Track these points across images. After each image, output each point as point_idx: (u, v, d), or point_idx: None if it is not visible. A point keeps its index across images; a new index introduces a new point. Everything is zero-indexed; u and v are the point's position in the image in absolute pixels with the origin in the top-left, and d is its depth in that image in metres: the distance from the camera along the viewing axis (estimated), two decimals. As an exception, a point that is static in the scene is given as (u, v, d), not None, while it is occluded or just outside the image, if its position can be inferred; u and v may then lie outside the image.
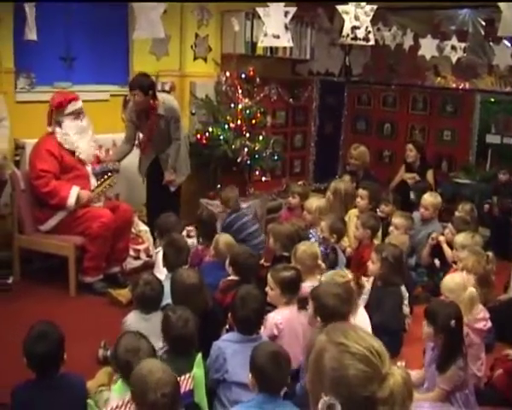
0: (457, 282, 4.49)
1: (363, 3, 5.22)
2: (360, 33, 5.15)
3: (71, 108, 5.98)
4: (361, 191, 6.83)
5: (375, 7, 5.18)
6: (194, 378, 3.33)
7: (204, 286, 4.26)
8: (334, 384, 1.76)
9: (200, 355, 3.44)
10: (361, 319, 4.46)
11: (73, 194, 5.87)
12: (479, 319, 4.44)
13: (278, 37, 5.37)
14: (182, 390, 3.13)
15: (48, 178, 5.83)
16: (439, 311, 3.94)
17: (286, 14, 5.32)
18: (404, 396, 1.73)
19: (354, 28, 5.16)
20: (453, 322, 3.82)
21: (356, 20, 5.13)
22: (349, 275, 4.49)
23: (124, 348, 3.27)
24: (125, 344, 3.29)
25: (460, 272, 4.79)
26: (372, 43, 5.42)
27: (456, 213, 6.65)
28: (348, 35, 5.25)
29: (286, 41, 5.48)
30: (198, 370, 3.36)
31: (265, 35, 5.46)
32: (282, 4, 5.38)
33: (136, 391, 2.84)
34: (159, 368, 2.89)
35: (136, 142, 6.89)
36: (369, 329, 4.44)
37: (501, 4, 5.23)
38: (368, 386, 1.72)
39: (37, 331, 3.31)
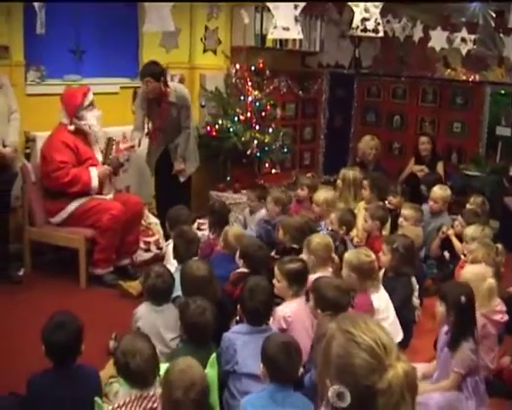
0: (476, 273, 4.50)
1: (373, -6, 5.23)
2: (370, 25, 5.14)
3: (87, 100, 6.03)
4: (364, 182, 6.88)
5: (383, -2, 5.19)
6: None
7: (214, 278, 4.28)
8: (339, 372, 1.80)
9: (214, 355, 3.44)
10: (386, 304, 4.63)
11: (94, 176, 5.97)
12: (497, 311, 4.47)
13: (288, 29, 5.37)
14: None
15: (67, 168, 5.88)
16: (451, 289, 4.02)
17: (296, 6, 5.33)
18: (404, 389, 1.76)
19: (364, 20, 5.16)
20: (463, 298, 3.86)
21: (365, 11, 5.13)
22: (373, 255, 4.61)
23: (121, 352, 3.27)
24: (123, 347, 3.29)
25: (479, 264, 4.78)
26: (381, 34, 5.42)
27: (468, 206, 6.65)
28: (358, 27, 5.25)
29: (296, 33, 5.49)
30: (211, 370, 3.34)
31: (275, 27, 5.47)
32: (291, -4, 5.41)
33: (166, 381, 2.85)
34: (197, 371, 2.89)
35: (146, 130, 6.93)
36: (392, 312, 4.59)
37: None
38: (370, 376, 1.76)
39: (57, 320, 3.34)
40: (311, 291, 3.95)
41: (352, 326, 1.84)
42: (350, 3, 5.29)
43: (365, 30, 5.22)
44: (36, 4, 5.42)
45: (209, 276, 4.21)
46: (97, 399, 3.08)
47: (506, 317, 4.50)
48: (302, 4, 5.31)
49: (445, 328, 4.02)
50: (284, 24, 5.35)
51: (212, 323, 3.64)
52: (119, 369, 3.30)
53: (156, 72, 6.52)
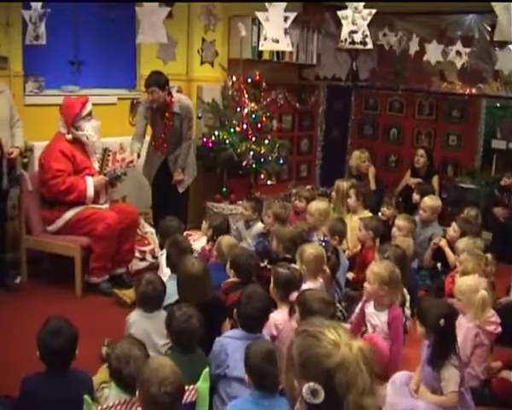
0: (469, 284, 4.55)
1: (360, 6, 5.27)
2: (357, 37, 5.20)
3: (85, 110, 6.10)
4: (350, 191, 6.98)
5: (373, 11, 5.22)
6: (197, 391, 3.36)
7: (208, 277, 4.35)
8: (301, 367, 1.89)
9: (207, 369, 3.49)
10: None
11: (90, 184, 6.03)
12: (491, 322, 4.51)
13: (277, 41, 5.47)
14: (184, 400, 3.16)
15: (64, 177, 5.94)
16: (429, 310, 3.99)
17: (286, 19, 5.43)
18: (360, 362, 1.85)
19: (352, 32, 5.23)
20: (442, 321, 3.86)
21: (353, 24, 5.20)
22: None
23: (115, 357, 3.37)
24: (117, 353, 3.39)
25: (472, 275, 4.82)
26: (370, 46, 5.47)
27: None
28: (346, 40, 5.32)
29: (285, 45, 5.59)
30: (203, 384, 3.38)
31: (265, 39, 5.58)
32: (282, 9, 5.48)
33: (141, 381, 2.89)
34: (169, 367, 2.93)
35: (147, 138, 7.02)
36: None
37: (496, 9, 5.30)
38: (328, 359, 1.85)
39: (53, 326, 3.39)
40: (297, 304, 4.03)
41: (307, 326, 1.96)
42: (340, 16, 5.36)
43: (353, 42, 5.28)
44: (27, 15, 5.52)
45: (202, 273, 4.28)
46: (87, 397, 3.13)
47: (499, 329, 4.54)
48: (292, 17, 5.40)
49: (427, 342, 4.06)
50: (274, 36, 5.45)
51: (198, 329, 3.67)
52: (111, 373, 3.39)
53: (161, 81, 6.63)
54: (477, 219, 6.75)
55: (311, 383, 1.83)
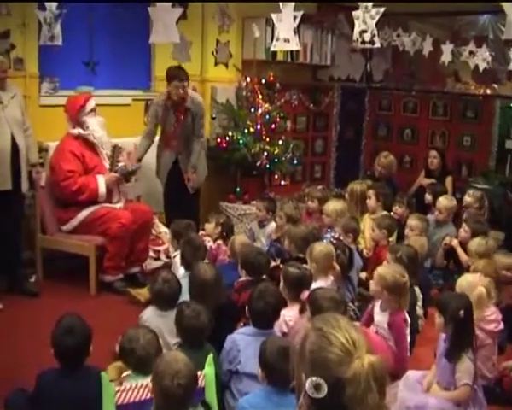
0: (469, 281, 4.54)
1: (369, 6, 5.28)
2: (367, 36, 5.23)
3: (89, 106, 6.16)
4: (369, 192, 6.94)
5: (381, 10, 5.24)
6: (204, 377, 3.40)
7: (221, 281, 4.40)
8: (312, 366, 1.90)
9: (211, 355, 3.53)
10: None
11: (101, 183, 6.07)
12: (490, 320, 4.49)
13: (288, 41, 5.53)
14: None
15: (75, 177, 5.99)
16: (449, 301, 4.01)
17: (294, 18, 5.49)
18: (370, 379, 1.85)
19: (362, 32, 5.26)
20: (462, 312, 3.88)
21: (364, 23, 5.23)
22: (407, 275, 4.57)
23: (126, 340, 3.53)
24: (127, 337, 3.56)
25: (476, 273, 4.81)
26: (378, 45, 5.48)
27: (466, 198, 7.01)
28: (358, 39, 5.36)
29: (294, 45, 5.64)
30: (209, 369, 3.43)
31: (277, 40, 5.64)
32: (292, 9, 5.52)
33: (155, 373, 2.93)
34: (183, 360, 2.97)
35: (157, 137, 7.03)
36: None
37: (506, 8, 5.30)
38: (339, 368, 1.86)
39: (67, 324, 3.44)
40: (308, 303, 4.06)
41: (323, 324, 1.96)
42: (354, 17, 5.39)
43: (363, 42, 5.32)
44: (41, 16, 5.58)
45: (215, 279, 4.32)
46: (104, 374, 3.18)
47: (501, 326, 4.53)
48: (299, 15, 5.46)
49: (444, 336, 4.07)
50: (285, 36, 5.51)
51: (206, 326, 3.74)
52: (126, 357, 3.52)
53: (187, 75, 6.69)
54: (482, 201, 6.82)
55: (314, 378, 1.86)
